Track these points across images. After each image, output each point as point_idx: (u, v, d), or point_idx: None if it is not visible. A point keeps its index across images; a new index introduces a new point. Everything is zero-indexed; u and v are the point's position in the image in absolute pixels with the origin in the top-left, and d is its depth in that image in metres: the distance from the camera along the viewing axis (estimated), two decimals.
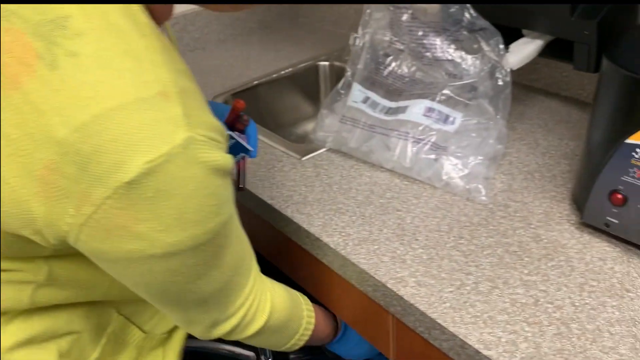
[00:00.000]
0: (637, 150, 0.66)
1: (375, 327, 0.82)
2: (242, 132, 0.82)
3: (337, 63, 1.39)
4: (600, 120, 0.72)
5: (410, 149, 0.89)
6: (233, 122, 0.82)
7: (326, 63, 1.41)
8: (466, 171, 0.86)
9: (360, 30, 1.03)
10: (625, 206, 0.70)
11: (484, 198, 0.84)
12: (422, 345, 0.73)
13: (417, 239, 0.78)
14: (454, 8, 0.90)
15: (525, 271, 0.71)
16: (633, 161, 0.67)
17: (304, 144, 1.04)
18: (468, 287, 0.70)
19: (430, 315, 0.67)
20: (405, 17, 0.94)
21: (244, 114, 0.82)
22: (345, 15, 1.57)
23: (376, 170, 0.95)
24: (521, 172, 0.91)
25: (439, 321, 0.66)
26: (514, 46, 0.96)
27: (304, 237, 0.84)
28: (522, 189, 0.86)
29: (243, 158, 0.83)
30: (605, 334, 0.62)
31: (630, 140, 0.66)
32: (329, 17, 1.63)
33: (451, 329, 0.64)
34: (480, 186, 0.84)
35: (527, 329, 0.64)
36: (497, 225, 0.80)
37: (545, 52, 0.98)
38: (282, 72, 1.37)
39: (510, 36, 0.97)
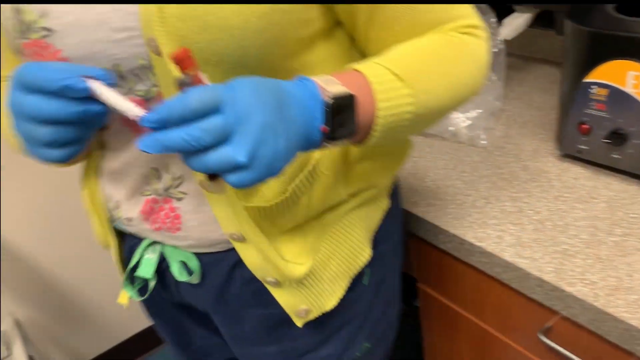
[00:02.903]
0: (593, 86, 0.84)
1: None
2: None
3: None
4: (567, 69, 0.91)
5: None
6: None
7: None
8: (468, 122, 1.05)
9: None
10: (591, 134, 0.88)
11: (484, 142, 1.03)
12: (435, 255, 0.93)
13: (428, 175, 0.98)
14: None
15: (513, 190, 0.90)
16: (591, 96, 0.85)
17: None
18: (467, 204, 0.89)
19: (436, 223, 0.86)
20: None
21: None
22: None
23: None
24: (517, 123, 1.09)
25: (443, 227, 0.85)
26: (507, 20, 1.15)
27: None
28: (517, 135, 1.05)
29: None
30: (572, 226, 0.81)
31: (587, 79, 0.85)
32: None
33: (452, 232, 0.84)
34: (479, 132, 1.03)
35: (511, 228, 0.83)
36: (494, 161, 0.99)
37: (537, 24, 1.16)
38: None
39: (504, 12, 1.17)
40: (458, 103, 0.60)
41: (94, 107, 0.48)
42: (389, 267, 0.79)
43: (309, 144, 0.49)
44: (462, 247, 0.83)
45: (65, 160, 0.52)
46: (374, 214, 0.73)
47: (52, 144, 0.49)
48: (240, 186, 0.44)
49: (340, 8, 0.59)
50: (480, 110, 1.06)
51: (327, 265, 0.68)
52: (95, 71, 0.48)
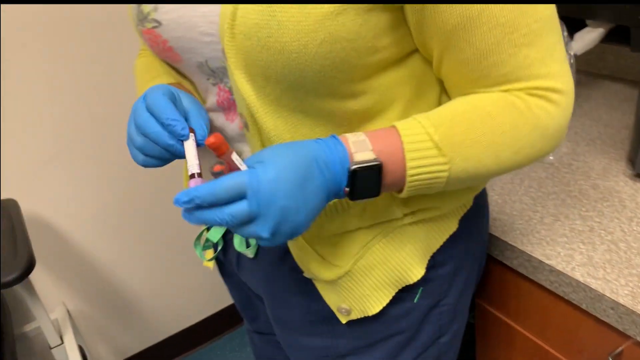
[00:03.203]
0: None
1: None
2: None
3: None
4: None
5: None
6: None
7: None
8: None
9: None
10: None
11: (551, 158, 1.01)
12: (498, 270, 0.91)
13: (493, 189, 0.96)
14: None
15: (584, 209, 0.88)
16: None
17: None
18: (535, 220, 0.87)
19: (502, 239, 0.84)
20: None
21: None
22: None
23: None
24: (584, 140, 1.06)
25: (511, 243, 0.83)
26: (578, 34, 1.12)
27: None
28: (585, 152, 1.02)
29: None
30: None
31: None
32: None
33: (520, 247, 0.82)
34: None
35: (582, 247, 0.80)
36: (561, 178, 0.96)
37: (608, 39, 1.13)
38: None
39: (575, 26, 1.14)
40: (511, 169, 0.58)
41: (179, 149, 0.58)
42: (448, 292, 0.74)
43: (334, 198, 0.56)
44: (529, 264, 0.81)
45: (145, 166, 0.62)
46: (435, 235, 0.70)
47: (139, 149, 0.60)
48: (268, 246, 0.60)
49: (416, 40, 0.58)
50: None
51: (369, 272, 0.68)
52: (199, 128, 0.59)
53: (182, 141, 0.57)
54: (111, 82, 1.54)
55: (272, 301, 0.78)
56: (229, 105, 0.64)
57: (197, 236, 0.81)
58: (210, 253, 0.82)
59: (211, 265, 0.85)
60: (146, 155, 0.60)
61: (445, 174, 0.55)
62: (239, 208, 0.49)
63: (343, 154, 0.53)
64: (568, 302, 0.80)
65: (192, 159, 0.56)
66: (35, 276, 1.58)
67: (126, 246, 1.75)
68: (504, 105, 0.55)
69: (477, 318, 1.03)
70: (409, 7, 0.54)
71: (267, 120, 0.58)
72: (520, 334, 0.94)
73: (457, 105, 0.57)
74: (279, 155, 0.51)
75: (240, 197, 0.49)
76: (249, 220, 0.50)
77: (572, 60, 1.07)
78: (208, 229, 0.79)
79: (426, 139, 0.54)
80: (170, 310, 1.92)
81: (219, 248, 0.81)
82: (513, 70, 0.54)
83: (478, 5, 0.51)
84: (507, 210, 0.90)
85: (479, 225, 0.77)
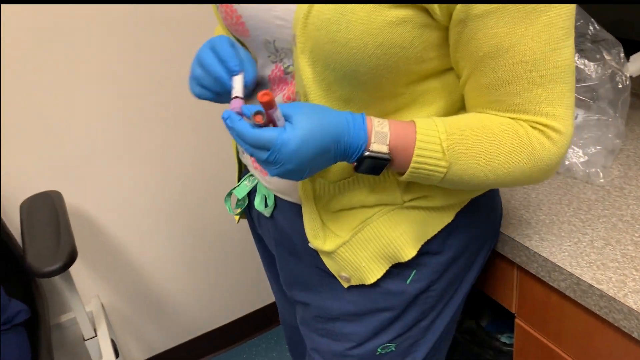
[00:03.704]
0: None
1: (501, 282, 0.98)
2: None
3: None
4: None
5: None
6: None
7: None
8: (586, 158, 1.01)
9: None
10: None
11: (601, 180, 0.98)
12: (542, 292, 0.89)
13: (541, 209, 0.95)
14: (579, 22, 1.06)
15: (636, 234, 0.85)
16: None
17: None
18: (584, 243, 0.85)
19: (551, 260, 0.83)
20: None
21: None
22: None
23: None
24: (637, 164, 1.04)
25: (559, 264, 0.82)
26: (634, 57, 1.10)
27: None
28: (637, 176, 1.00)
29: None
30: None
31: None
32: None
33: (569, 270, 0.80)
34: (598, 170, 0.99)
35: (635, 273, 0.78)
36: (613, 201, 0.94)
37: None
38: None
39: (632, 48, 1.12)
40: (503, 185, 0.68)
41: (227, 81, 0.69)
42: (438, 281, 0.81)
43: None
44: (578, 287, 0.79)
45: (199, 97, 0.73)
46: (430, 222, 0.77)
47: (196, 80, 0.72)
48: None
49: (452, 58, 0.66)
50: (599, 147, 1.01)
51: (365, 245, 0.76)
52: (249, 72, 0.70)
53: (232, 77, 0.68)
54: (156, 79, 1.56)
55: (281, 257, 0.88)
56: (278, 82, 0.74)
57: (228, 193, 0.92)
58: (239, 210, 0.94)
59: (237, 219, 0.97)
60: (202, 86, 0.72)
61: (441, 175, 0.65)
62: (260, 154, 0.62)
63: (363, 142, 0.64)
64: (617, 329, 0.78)
65: (237, 87, 0.67)
66: (73, 268, 1.60)
67: (163, 244, 1.77)
68: (508, 130, 0.64)
69: (516, 338, 1.01)
70: (452, 29, 0.62)
71: (316, 102, 0.67)
72: (562, 358, 0.91)
73: (470, 120, 0.66)
74: (310, 124, 0.61)
75: (266, 148, 0.61)
76: (264, 161, 0.62)
77: (627, 82, 1.05)
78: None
79: (437, 142, 0.63)
80: (201, 310, 1.94)
81: (246, 204, 0.93)
82: (524, 102, 0.62)
83: (510, 40, 0.59)
84: (555, 231, 0.89)
85: (481, 221, 0.83)
